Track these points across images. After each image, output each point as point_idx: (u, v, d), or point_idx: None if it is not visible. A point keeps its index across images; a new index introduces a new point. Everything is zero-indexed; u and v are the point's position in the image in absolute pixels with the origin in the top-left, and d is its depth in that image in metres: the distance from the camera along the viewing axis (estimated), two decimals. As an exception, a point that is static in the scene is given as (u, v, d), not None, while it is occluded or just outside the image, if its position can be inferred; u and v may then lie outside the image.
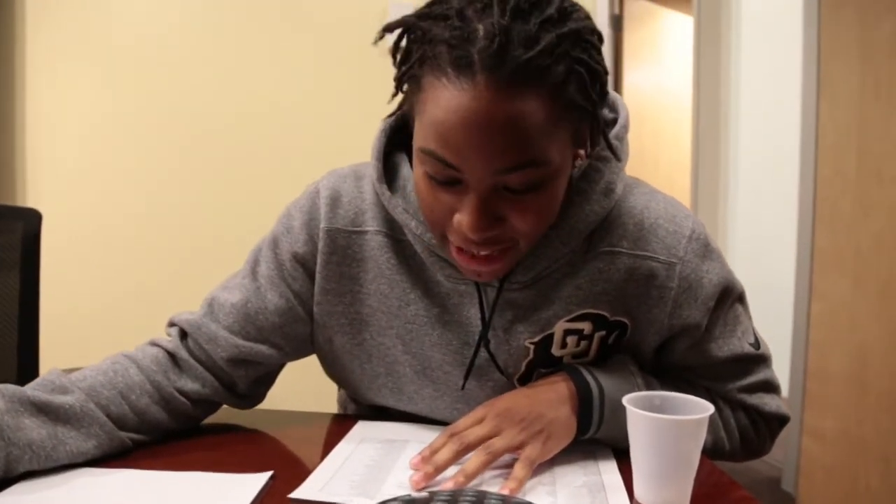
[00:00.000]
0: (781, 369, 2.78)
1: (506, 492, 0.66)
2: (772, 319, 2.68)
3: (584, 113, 0.66)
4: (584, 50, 0.64)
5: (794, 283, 2.50)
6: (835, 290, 2.30)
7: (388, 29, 0.66)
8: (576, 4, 0.65)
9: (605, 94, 0.69)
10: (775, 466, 2.62)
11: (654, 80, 4.22)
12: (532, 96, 0.61)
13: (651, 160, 4.14)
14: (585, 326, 0.79)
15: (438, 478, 0.69)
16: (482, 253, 0.69)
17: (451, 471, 0.69)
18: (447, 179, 0.66)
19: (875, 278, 2.13)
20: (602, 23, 2.24)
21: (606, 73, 0.67)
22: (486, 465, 0.68)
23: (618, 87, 4.09)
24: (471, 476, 0.67)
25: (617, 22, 4.08)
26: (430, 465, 0.68)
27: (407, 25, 0.65)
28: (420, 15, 0.64)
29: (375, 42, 0.69)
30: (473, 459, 0.68)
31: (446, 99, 0.61)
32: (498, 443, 0.70)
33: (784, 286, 2.63)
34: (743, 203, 3.30)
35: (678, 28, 4.25)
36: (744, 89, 3.27)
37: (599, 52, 0.66)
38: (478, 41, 0.59)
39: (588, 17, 0.66)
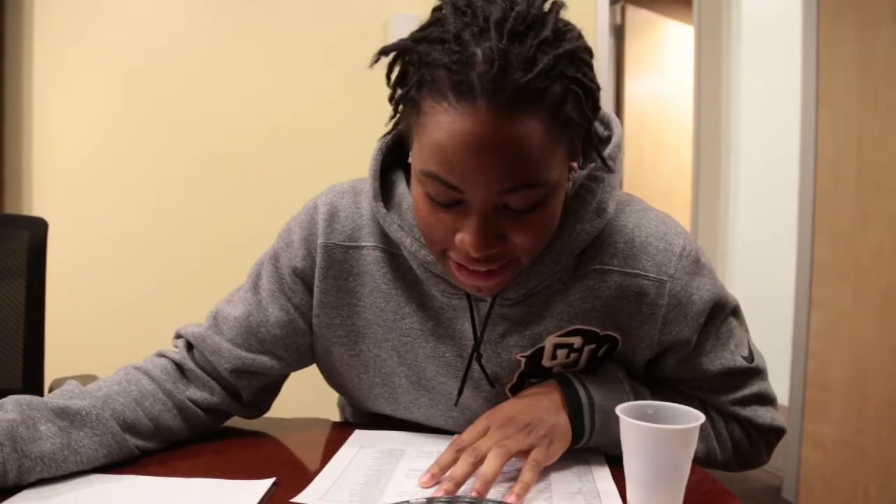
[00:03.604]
0: (781, 378, 2.77)
1: (511, 497, 0.67)
2: (772, 329, 2.70)
3: (580, 129, 0.68)
4: (578, 69, 0.65)
5: (794, 292, 2.51)
6: (834, 300, 2.31)
7: (385, 52, 0.67)
8: (568, 23, 0.66)
9: (598, 108, 0.70)
10: (776, 475, 2.63)
11: (655, 89, 4.24)
12: (532, 118, 0.62)
13: (652, 168, 4.16)
14: (576, 341, 0.81)
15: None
16: (483, 269, 0.70)
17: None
18: (449, 201, 0.67)
19: (874, 288, 2.14)
20: (603, 33, 2.26)
21: (599, 88, 0.68)
22: (502, 466, 0.69)
23: (619, 96, 4.11)
24: (490, 480, 0.67)
25: (619, 32, 4.11)
26: (448, 481, 0.68)
27: (404, 49, 0.66)
28: (416, 38, 0.65)
29: (371, 65, 0.69)
30: (489, 461, 0.68)
31: (448, 123, 0.62)
32: (511, 444, 0.71)
33: (784, 296, 2.64)
34: (743, 213, 3.31)
35: (679, 37, 4.27)
36: (744, 99, 3.28)
37: (592, 69, 0.68)
38: (477, 65, 0.60)
39: (580, 36, 0.67)
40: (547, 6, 0.65)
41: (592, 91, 0.67)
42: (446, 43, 0.62)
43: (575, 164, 0.73)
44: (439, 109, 0.63)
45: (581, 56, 0.65)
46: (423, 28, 0.66)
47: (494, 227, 0.67)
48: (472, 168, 0.63)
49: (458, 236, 0.68)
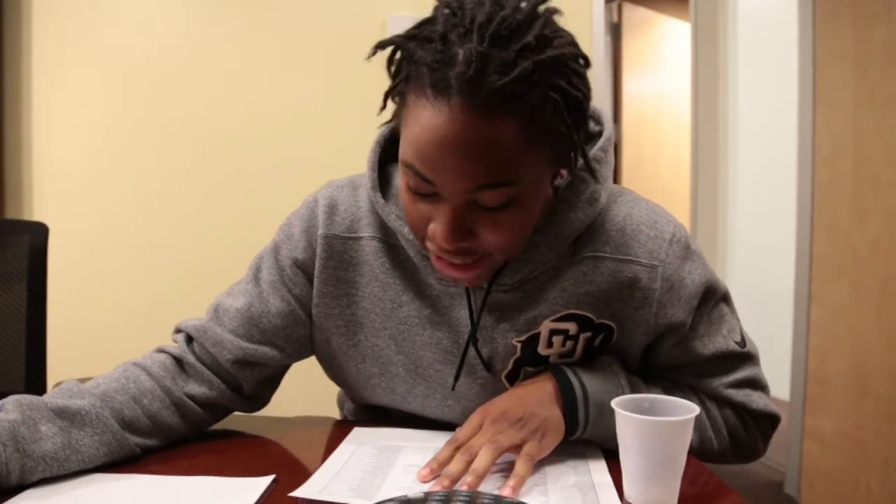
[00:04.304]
0: (782, 373, 2.77)
1: (507, 491, 0.68)
2: (772, 324, 2.71)
3: (562, 136, 0.69)
4: (563, 76, 0.66)
5: (794, 288, 2.52)
6: (833, 295, 2.31)
7: (380, 46, 0.70)
8: (559, 30, 0.68)
9: (584, 118, 0.71)
10: (778, 470, 2.63)
11: (652, 86, 4.25)
12: (506, 120, 0.64)
13: (651, 165, 4.17)
14: (571, 327, 0.82)
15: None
16: (457, 262, 0.72)
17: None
18: (425, 192, 0.69)
19: (873, 282, 2.14)
20: (600, 31, 2.27)
21: (587, 97, 0.69)
22: (493, 461, 0.71)
23: (617, 94, 4.12)
24: (481, 474, 0.69)
25: (615, 30, 4.11)
26: (444, 478, 0.70)
27: (396, 45, 0.69)
28: (408, 35, 0.67)
29: (368, 58, 0.72)
30: (481, 458, 0.70)
31: (425, 118, 0.65)
32: (503, 439, 0.73)
33: (783, 291, 2.64)
34: (742, 209, 3.31)
35: (676, 35, 4.28)
36: (741, 95, 3.29)
37: (582, 77, 0.68)
38: (456, 65, 0.62)
39: (572, 43, 0.68)
40: (539, 10, 0.66)
41: (578, 100, 0.68)
42: (433, 42, 0.64)
43: (563, 172, 0.75)
44: (419, 105, 0.66)
45: (567, 64, 0.66)
46: (418, 25, 0.68)
47: (465, 221, 0.69)
48: (443, 163, 0.65)
49: (431, 226, 0.71)
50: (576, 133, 0.70)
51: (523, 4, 0.66)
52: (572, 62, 0.67)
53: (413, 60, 0.66)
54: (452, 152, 0.64)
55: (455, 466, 0.70)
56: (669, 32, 4.30)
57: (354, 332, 0.87)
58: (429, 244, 0.74)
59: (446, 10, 0.66)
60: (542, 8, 0.67)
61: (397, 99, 0.71)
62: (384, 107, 0.72)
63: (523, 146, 0.66)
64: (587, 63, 0.70)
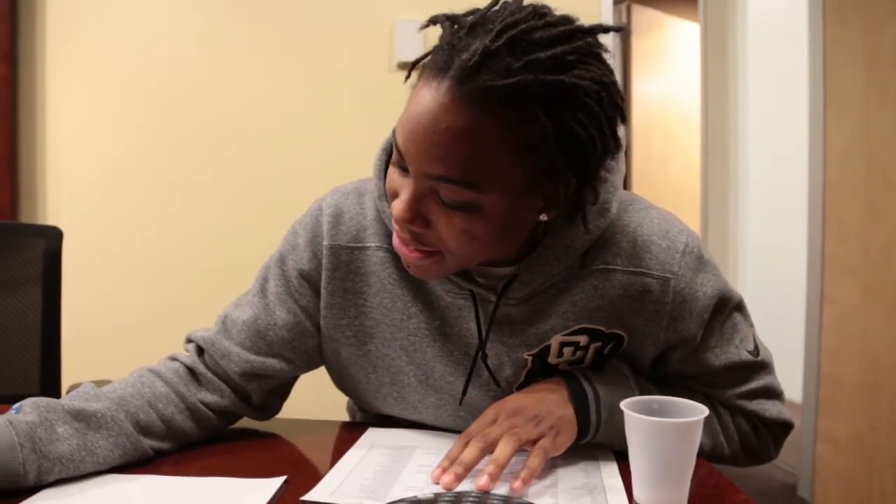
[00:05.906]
0: (794, 376, 2.75)
1: (517, 483, 0.69)
2: (784, 326, 2.69)
3: (548, 168, 0.68)
4: (569, 107, 0.64)
5: (806, 289, 2.50)
6: (845, 296, 2.30)
7: (432, 21, 0.71)
8: (590, 64, 0.65)
9: (585, 163, 0.68)
10: (791, 473, 2.62)
11: (662, 87, 4.24)
12: (485, 121, 0.63)
13: (660, 167, 4.16)
14: (581, 339, 0.81)
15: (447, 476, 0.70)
16: (408, 244, 0.72)
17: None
18: (400, 164, 0.70)
19: (885, 283, 2.13)
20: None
21: (593, 141, 0.66)
22: (514, 453, 0.71)
23: (627, 96, 4.11)
24: (503, 464, 0.69)
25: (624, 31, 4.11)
26: (458, 465, 0.70)
27: (438, 22, 0.69)
28: (451, 17, 0.68)
29: (421, 29, 0.73)
30: (501, 446, 0.71)
31: (419, 93, 0.66)
32: (521, 433, 0.73)
33: (795, 293, 2.63)
34: (753, 210, 3.30)
35: (686, 36, 4.26)
36: (751, 96, 3.28)
37: (595, 119, 0.65)
38: (463, 53, 0.63)
39: (598, 82, 0.65)
40: (576, 37, 0.65)
41: (578, 138, 0.65)
42: (463, 29, 0.65)
43: (548, 213, 0.73)
44: (422, 80, 0.67)
45: (580, 97, 0.64)
46: (468, 12, 0.68)
47: (423, 208, 0.69)
48: (413, 139, 0.66)
49: (395, 200, 0.71)
50: (571, 172, 0.68)
51: (563, 27, 0.65)
52: (589, 99, 0.65)
53: (441, 41, 0.67)
54: (424, 131, 0.65)
55: (470, 454, 0.70)
56: (679, 34, 4.29)
57: (364, 342, 0.86)
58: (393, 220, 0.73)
59: (495, 6, 0.67)
60: (581, 37, 0.65)
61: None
62: (409, 76, 0.72)
63: (496, 156, 0.65)
64: (622, 116, 0.68)
